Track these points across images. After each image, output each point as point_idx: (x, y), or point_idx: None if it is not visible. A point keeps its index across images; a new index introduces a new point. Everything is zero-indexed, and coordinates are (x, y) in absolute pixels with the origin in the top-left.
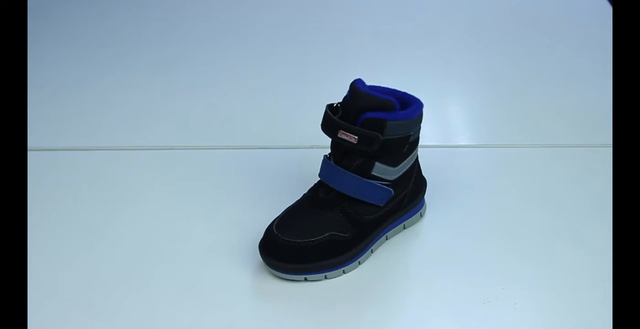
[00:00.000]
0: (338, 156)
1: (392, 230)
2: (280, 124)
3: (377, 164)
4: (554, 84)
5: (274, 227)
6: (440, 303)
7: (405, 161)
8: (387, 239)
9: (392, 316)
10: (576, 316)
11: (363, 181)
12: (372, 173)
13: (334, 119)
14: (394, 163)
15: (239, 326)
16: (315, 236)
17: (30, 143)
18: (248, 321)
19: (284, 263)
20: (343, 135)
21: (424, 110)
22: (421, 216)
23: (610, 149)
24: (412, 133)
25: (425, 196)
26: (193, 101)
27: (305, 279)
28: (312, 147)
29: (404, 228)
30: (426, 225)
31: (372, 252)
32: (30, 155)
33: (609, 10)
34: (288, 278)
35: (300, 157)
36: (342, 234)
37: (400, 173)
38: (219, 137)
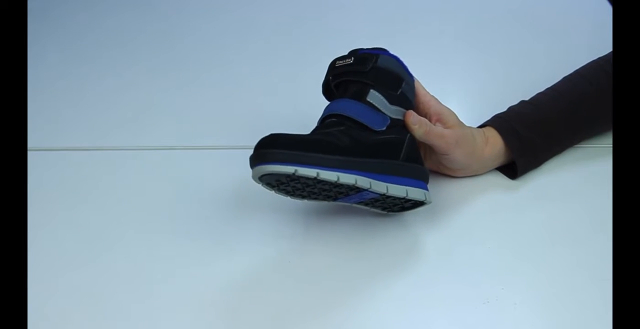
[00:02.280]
0: (336, 97)
1: (394, 187)
2: (280, 124)
3: (372, 91)
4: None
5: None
6: (440, 303)
7: (400, 107)
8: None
9: (391, 316)
10: (576, 316)
11: (358, 103)
12: (368, 99)
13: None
14: (389, 99)
15: (239, 325)
16: (312, 135)
17: (30, 143)
18: (248, 320)
19: (277, 149)
20: (339, 62)
21: None
22: (425, 201)
23: (610, 149)
24: (403, 78)
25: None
26: (193, 101)
27: (295, 173)
28: None
29: (406, 195)
30: (425, 225)
31: (370, 185)
32: (30, 155)
33: (609, 10)
34: (278, 171)
35: None
36: (339, 141)
37: (397, 115)
38: (219, 137)
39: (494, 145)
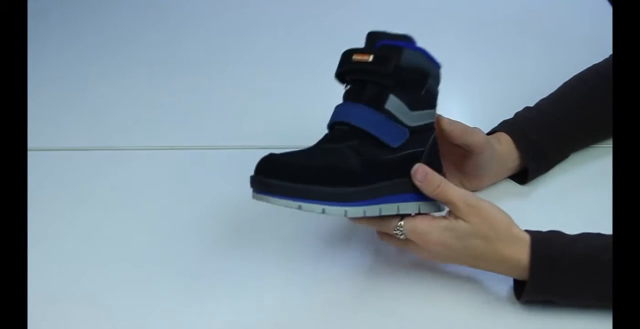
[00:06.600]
0: (350, 95)
1: (405, 205)
2: (280, 124)
3: (391, 96)
4: (554, 84)
5: (272, 154)
6: (441, 303)
7: (423, 111)
8: (400, 216)
9: (391, 316)
10: (576, 316)
11: (376, 112)
12: (386, 107)
13: (349, 49)
14: (411, 104)
15: (239, 324)
16: (317, 159)
17: (30, 143)
18: (248, 318)
19: (279, 181)
20: (357, 57)
21: None
22: (440, 209)
23: (610, 149)
24: (429, 73)
25: None
26: (193, 101)
27: (300, 208)
28: None
29: (419, 211)
30: None
31: (380, 212)
32: (30, 155)
33: (609, 10)
34: (282, 204)
35: None
36: (347, 164)
37: (419, 123)
38: (219, 137)
39: (509, 151)
